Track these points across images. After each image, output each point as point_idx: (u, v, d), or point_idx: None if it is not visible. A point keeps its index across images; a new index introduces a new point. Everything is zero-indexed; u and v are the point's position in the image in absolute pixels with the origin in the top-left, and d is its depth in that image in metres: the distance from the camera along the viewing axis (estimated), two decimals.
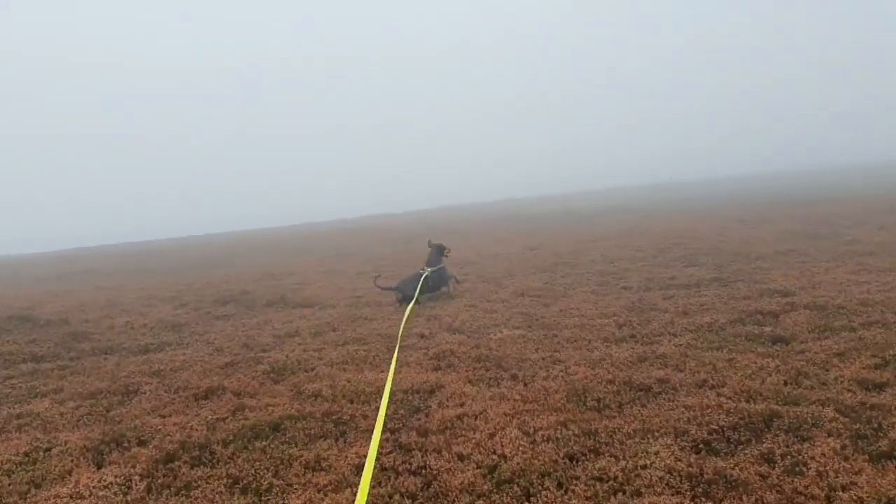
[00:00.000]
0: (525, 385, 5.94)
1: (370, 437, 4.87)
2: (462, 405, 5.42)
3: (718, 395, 5.23)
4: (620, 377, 5.79)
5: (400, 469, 4.32)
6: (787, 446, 4.18)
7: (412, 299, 10.33)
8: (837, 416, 4.56)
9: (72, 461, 4.90)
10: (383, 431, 4.91)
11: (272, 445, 4.84)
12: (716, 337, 7.11)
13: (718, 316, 7.93)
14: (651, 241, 18.29)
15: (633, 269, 13.33)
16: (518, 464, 4.16)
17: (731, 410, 4.74)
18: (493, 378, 6.20)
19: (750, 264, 12.68)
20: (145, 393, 6.62)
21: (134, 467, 4.64)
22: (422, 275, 11.39)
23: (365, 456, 4.46)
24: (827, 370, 5.65)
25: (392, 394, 5.82)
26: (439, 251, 12.29)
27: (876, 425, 4.37)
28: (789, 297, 8.95)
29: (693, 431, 4.48)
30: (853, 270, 10.78)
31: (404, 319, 8.23)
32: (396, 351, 6.71)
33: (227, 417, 5.50)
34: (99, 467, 4.81)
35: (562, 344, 7.46)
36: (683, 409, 4.90)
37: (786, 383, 5.42)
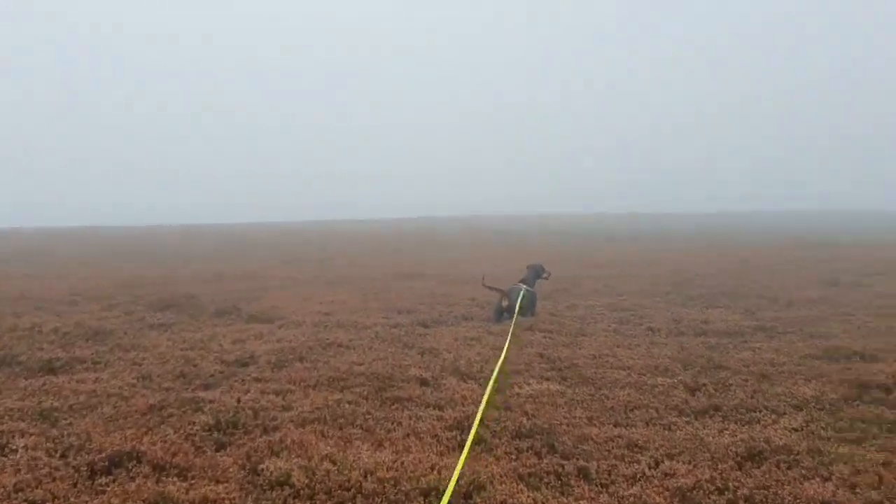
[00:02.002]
0: (607, 490, 3.86)
1: None
2: None
3: None
4: (759, 495, 3.76)
5: None
6: None
7: (514, 311, 9.60)
8: None
9: None
10: None
11: None
12: (836, 420, 5.15)
13: (821, 388, 5.98)
14: (654, 274, 16.46)
15: (651, 307, 11.42)
16: None
17: None
18: (554, 472, 4.10)
19: (784, 311, 10.88)
20: (16, 451, 4.35)
21: None
22: (521, 290, 10.21)
23: None
24: None
25: (405, 495, 3.68)
26: (536, 272, 11.21)
27: None
28: (876, 362, 7.11)
29: None
30: None
31: (509, 337, 7.19)
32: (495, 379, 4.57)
33: None
34: None
35: (621, 413, 5.41)
36: None
37: None
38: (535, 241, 34.71)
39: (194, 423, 4.94)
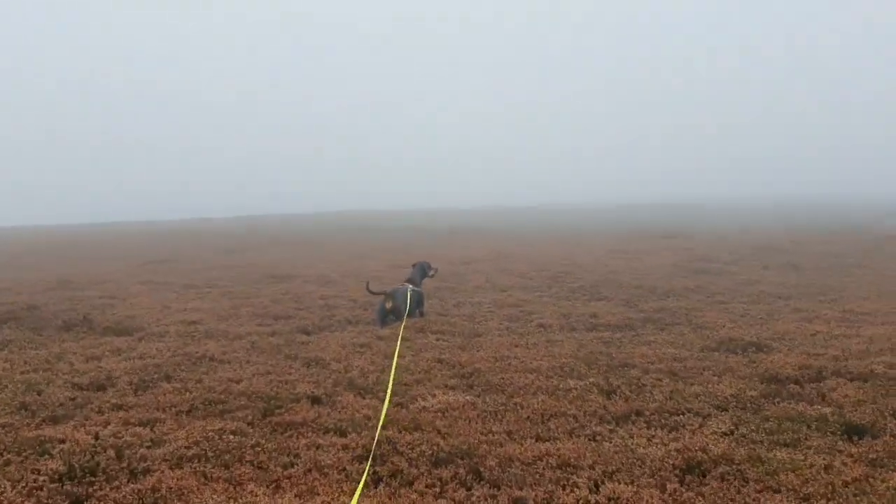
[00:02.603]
0: None
1: None
2: None
3: None
4: None
5: None
6: None
7: (403, 314, 9.05)
8: None
9: None
10: None
11: None
12: (764, 421, 4.91)
13: (736, 384, 5.78)
14: (532, 268, 16.34)
15: (535, 302, 11.19)
16: None
17: None
18: None
19: (664, 301, 10.97)
20: None
21: None
22: (407, 290, 9.51)
23: None
24: None
25: None
26: (423, 270, 10.49)
27: None
28: (773, 352, 7.10)
29: None
30: (805, 318, 9.23)
31: (398, 344, 6.54)
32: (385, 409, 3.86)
33: None
34: None
35: (540, 423, 4.95)
36: None
37: None
38: (432, 235, 34.22)
39: (39, 471, 3.99)
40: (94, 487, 3.82)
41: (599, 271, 15.17)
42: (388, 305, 9.39)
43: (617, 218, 47.01)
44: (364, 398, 5.67)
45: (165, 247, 27.97)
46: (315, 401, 5.54)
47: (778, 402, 5.30)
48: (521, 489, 3.74)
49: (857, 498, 3.63)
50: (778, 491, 3.73)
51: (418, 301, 9.88)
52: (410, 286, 9.81)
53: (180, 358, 7.18)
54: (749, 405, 5.25)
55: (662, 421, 4.96)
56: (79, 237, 38.85)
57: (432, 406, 5.35)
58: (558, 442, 4.55)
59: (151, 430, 4.80)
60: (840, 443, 4.48)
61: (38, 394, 5.84)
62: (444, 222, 45.99)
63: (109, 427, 4.81)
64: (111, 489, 3.79)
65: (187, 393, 5.78)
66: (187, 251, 24.94)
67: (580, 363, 6.78)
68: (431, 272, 10.74)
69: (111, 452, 4.27)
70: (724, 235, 26.33)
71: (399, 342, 7.49)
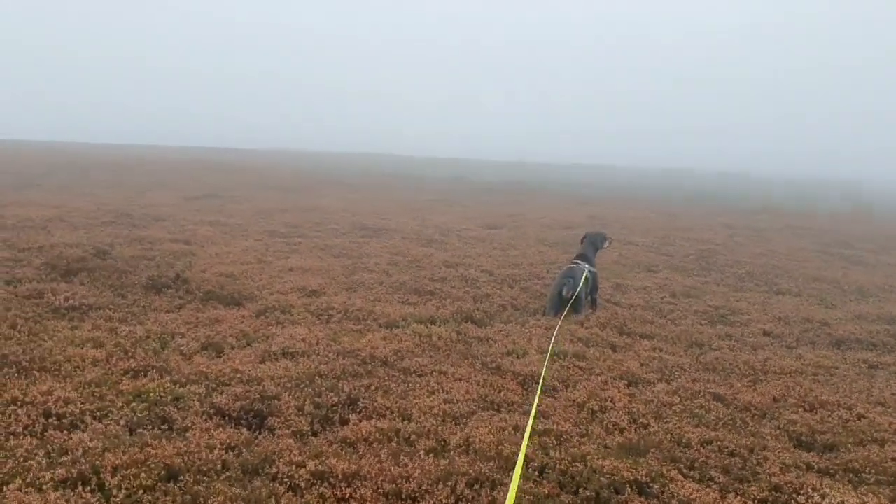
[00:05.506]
0: None
1: None
2: None
3: None
4: None
5: None
6: None
7: (581, 303, 7.18)
8: None
9: None
10: None
11: None
12: None
13: None
14: (653, 239, 14.01)
15: (708, 291, 9.07)
16: None
17: None
18: None
19: (869, 304, 8.92)
20: None
21: None
22: (583, 272, 7.32)
23: None
24: None
25: None
26: (594, 243, 8.08)
27: None
28: None
29: None
30: None
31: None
32: None
33: None
34: None
35: None
36: None
37: None
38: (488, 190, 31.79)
39: None
40: None
41: (741, 252, 12.81)
42: (567, 292, 7.12)
43: (647, 183, 44.45)
44: (706, 485, 3.46)
45: (200, 177, 25.42)
46: (640, 490, 3.33)
47: None
48: None
49: None
50: None
51: (592, 286, 7.62)
52: (587, 266, 7.53)
53: (344, 361, 4.98)
54: None
55: None
56: (91, 157, 35.87)
57: None
58: None
59: None
60: None
61: (170, 428, 3.65)
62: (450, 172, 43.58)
63: None
64: None
65: (410, 448, 3.58)
66: (229, 185, 22.47)
67: None
68: (606, 244, 8.35)
69: None
70: (814, 213, 23.79)
71: (545, 368, 5.17)
